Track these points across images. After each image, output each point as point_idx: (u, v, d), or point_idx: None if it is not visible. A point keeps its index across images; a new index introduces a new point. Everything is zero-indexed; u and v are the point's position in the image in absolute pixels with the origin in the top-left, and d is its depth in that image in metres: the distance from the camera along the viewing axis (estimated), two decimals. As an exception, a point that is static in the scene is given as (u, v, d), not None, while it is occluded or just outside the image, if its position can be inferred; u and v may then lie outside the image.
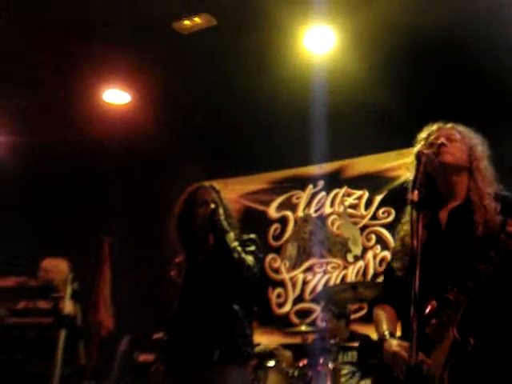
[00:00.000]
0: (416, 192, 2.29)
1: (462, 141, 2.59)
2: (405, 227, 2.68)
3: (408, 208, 2.68)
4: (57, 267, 5.12)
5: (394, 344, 2.43)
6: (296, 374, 4.81)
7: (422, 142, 2.65)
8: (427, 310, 2.39)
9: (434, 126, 2.70)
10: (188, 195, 3.58)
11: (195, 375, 3.18)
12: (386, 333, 2.52)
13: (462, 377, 2.30)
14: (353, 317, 5.87)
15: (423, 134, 2.69)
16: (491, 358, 2.32)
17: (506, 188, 2.61)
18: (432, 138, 2.60)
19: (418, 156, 2.46)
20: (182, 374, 3.25)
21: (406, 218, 2.67)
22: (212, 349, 3.16)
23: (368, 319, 6.01)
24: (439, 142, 2.55)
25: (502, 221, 2.40)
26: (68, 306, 4.60)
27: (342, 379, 4.86)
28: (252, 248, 3.38)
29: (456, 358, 2.30)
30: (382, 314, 2.65)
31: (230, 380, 3.14)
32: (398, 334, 2.59)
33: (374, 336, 5.23)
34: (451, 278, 2.41)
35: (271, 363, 4.88)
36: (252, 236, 3.50)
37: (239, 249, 3.28)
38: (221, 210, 3.38)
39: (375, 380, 2.79)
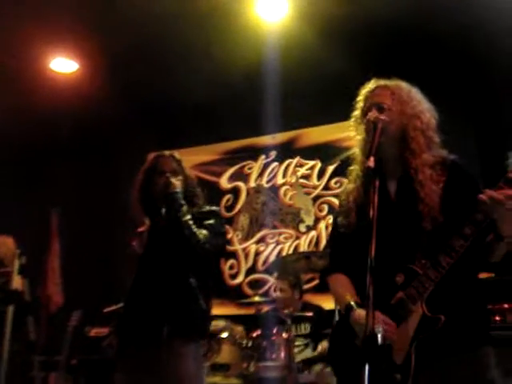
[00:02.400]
0: (372, 158, 2.27)
1: (394, 109, 2.53)
2: (349, 186, 2.67)
3: (353, 171, 2.66)
4: (4, 244, 5.02)
5: (363, 314, 2.40)
6: (250, 344, 4.81)
7: (361, 104, 2.63)
8: (396, 280, 2.37)
9: (371, 85, 2.66)
10: (148, 164, 3.52)
11: (147, 350, 3.12)
12: (352, 302, 2.48)
13: (429, 352, 2.30)
14: (305, 287, 5.88)
15: (362, 95, 2.67)
16: (459, 335, 2.32)
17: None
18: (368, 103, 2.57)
19: (375, 122, 2.43)
20: (134, 348, 3.19)
21: (352, 179, 2.66)
22: (163, 324, 3.10)
23: (320, 289, 6.05)
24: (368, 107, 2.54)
25: (442, 188, 2.40)
26: (16, 281, 4.51)
27: (295, 350, 4.88)
28: (211, 221, 3.31)
29: (425, 333, 2.30)
30: (340, 284, 2.63)
31: (182, 356, 3.09)
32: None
33: (327, 306, 5.30)
34: (406, 251, 2.40)
35: (224, 334, 4.86)
36: (214, 208, 3.46)
37: (190, 223, 3.20)
38: (176, 182, 3.31)
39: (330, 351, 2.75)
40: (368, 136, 2.47)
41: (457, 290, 2.35)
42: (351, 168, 2.71)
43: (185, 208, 3.25)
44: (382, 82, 2.64)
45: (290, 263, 5.07)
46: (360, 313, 2.39)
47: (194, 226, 3.20)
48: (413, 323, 2.32)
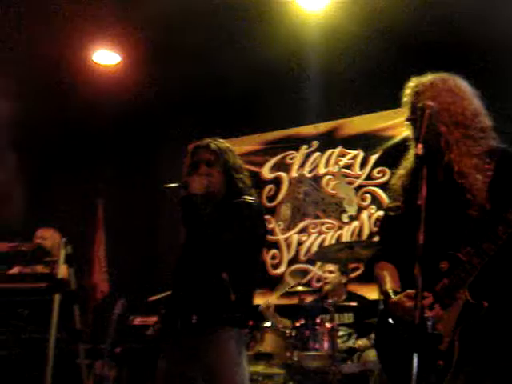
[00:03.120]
0: (420, 145, 2.25)
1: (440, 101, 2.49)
2: (400, 171, 2.65)
3: (407, 157, 2.65)
4: (51, 237, 5.11)
5: (404, 299, 2.39)
6: (293, 333, 4.80)
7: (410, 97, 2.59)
8: (441, 267, 2.36)
9: (425, 79, 2.62)
10: (187, 156, 3.47)
11: (184, 339, 3.15)
12: (390, 291, 2.49)
13: (473, 339, 2.28)
14: (352, 276, 5.87)
15: (411, 88, 2.62)
16: (504, 322, 2.30)
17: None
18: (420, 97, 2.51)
19: (422, 108, 2.40)
20: (173, 337, 3.22)
21: (404, 164, 2.65)
22: (192, 314, 3.11)
23: (364, 279, 6.01)
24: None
25: (491, 177, 2.36)
26: (62, 271, 4.58)
27: (339, 340, 4.87)
28: (237, 217, 3.19)
29: (468, 320, 2.28)
30: (384, 273, 2.62)
31: (217, 345, 3.08)
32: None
33: (372, 296, 5.27)
34: (451, 238, 2.38)
35: (268, 324, 4.87)
36: (248, 200, 3.28)
37: (208, 225, 3.12)
38: (196, 182, 3.16)
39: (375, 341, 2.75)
40: (417, 123, 2.44)
41: (500, 276, 2.33)
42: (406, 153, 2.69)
43: (201, 209, 3.14)
44: (424, 79, 2.60)
45: (333, 253, 5.04)
46: (395, 301, 2.40)
47: (208, 228, 3.12)
48: (456, 310, 2.32)
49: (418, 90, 2.57)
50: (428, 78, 2.61)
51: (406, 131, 2.65)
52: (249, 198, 3.28)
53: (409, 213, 2.42)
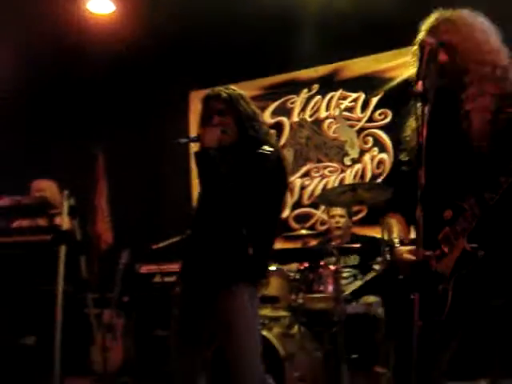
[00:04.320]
0: (420, 83, 2.21)
1: (461, 45, 2.42)
2: (413, 123, 2.59)
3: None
4: (49, 188, 5.10)
5: (403, 250, 2.41)
6: (297, 276, 4.85)
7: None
8: (445, 216, 2.35)
9: (434, 17, 2.55)
10: (200, 109, 3.40)
11: (201, 292, 3.18)
12: (396, 240, 2.50)
13: (466, 288, 2.29)
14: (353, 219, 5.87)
15: (425, 27, 2.55)
16: (498, 272, 2.30)
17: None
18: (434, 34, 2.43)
19: (421, 45, 2.35)
20: (191, 289, 3.24)
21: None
22: (210, 268, 3.13)
23: (368, 221, 6.02)
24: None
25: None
26: (66, 222, 4.59)
27: (343, 281, 4.91)
28: (258, 166, 3.13)
29: (462, 269, 2.29)
30: (392, 222, 2.62)
31: (232, 296, 3.09)
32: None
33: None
34: (459, 186, 2.36)
35: (273, 268, 4.91)
36: (262, 151, 3.16)
37: (222, 178, 3.07)
38: (209, 134, 3.13)
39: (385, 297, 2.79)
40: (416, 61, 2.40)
41: (498, 226, 2.32)
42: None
43: (216, 163, 3.09)
44: (447, 15, 2.50)
45: (336, 196, 5.04)
46: (400, 249, 2.41)
47: (225, 183, 3.06)
48: (453, 257, 2.32)
49: (434, 25, 2.49)
50: (456, 13, 2.51)
51: (407, 72, 2.60)
52: (266, 149, 3.17)
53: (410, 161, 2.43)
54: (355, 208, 5.79)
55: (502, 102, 2.36)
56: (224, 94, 3.22)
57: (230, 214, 3.11)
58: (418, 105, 2.23)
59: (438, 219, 2.34)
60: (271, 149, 3.17)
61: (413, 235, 2.54)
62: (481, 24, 2.47)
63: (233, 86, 3.31)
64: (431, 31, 2.47)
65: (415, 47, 2.54)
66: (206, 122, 3.21)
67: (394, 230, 2.57)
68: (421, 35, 2.53)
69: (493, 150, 2.31)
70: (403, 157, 2.62)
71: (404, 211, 2.62)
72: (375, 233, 5.24)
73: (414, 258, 2.17)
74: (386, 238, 2.62)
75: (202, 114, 3.29)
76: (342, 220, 5.48)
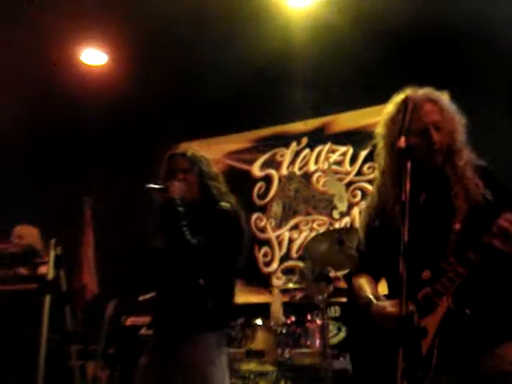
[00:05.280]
0: (403, 138, 2.24)
1: (446, 126, 2.50)
2: (381, 178, 2.64)
3: (381, 163, 2.63)
4: (30, 234, 5.08)
5: (386, 305, 2.40)
6: (284, 331, 4.81)
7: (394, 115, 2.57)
8: (423, 276, 2.36)
9: (415, 97, 2.58)
10: (164, 165, 3.56)
11: (165, 341, 3.33)
12: (371, 297, 2.50)
13: (453, 346, 2.28)
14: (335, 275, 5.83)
15: (397, 102, 2.60)
16: (485, 331, 2.30)
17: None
18: (416, 118, 2.46)
19: (405, 102, 2.40)
20: (158, 341, 3.42)
21: (381, 172, 2.63)
22: (173, 319, 3.30)
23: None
24: (424, 126, 2.48)
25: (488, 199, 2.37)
26: (51, 272, 4.57)
27: (329, 335, 4.87)
28: (213, 224, 3.34)
29: (449, 327, 2.28)
30: (362, 282, 2.63)
31: (196, 346, 3.22)
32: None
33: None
34: (434, 248, 2.39)
35: (258, 321, 4.87)
36: (223, 207, 3.40)
37: (184, 229, 3.25)
38: (174, 187, 3.34)
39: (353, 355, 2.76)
40: (397, 120, 2.45)
41: (483, 285, 2.33)
42: (376, 167, 2.70)
43: (180, 214, 3.28)
44: (428, 95, 2.56)
45: (321, 246, 5.02)
46: (382, 304, 2.40)
47: (186, 233, 3.23)
48: (438, 316, 2.32)
49: (431, 106, 2.54)
50: (434, 94, 2.58)
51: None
52: (224, 205, 3.40)
53: (389, 220, 2.45)
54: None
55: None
56: (189, 154, 3.49)
57: (187, 266, 3.29)
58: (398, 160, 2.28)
59: (415, 279, 2.32)
60: (228, 205, 3.39)
61: (382, 292, 2.56)
62: (452, 106, 2.58)
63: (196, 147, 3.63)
64: (419, 112, 2.50)
65: (389, 107, 2.59)
66: (170, 178, 3.43)
67: (366, 289, 2.57)
68: (391, 108, 2.58)
69: (467, 226, 2.36)
70: (369, 215, 2.66)
71: (371, 271, 2.65)
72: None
73: (397, 311, 2.16)
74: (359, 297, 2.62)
75: (166, 170, 3.50)
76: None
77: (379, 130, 2.64)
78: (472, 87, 5.70)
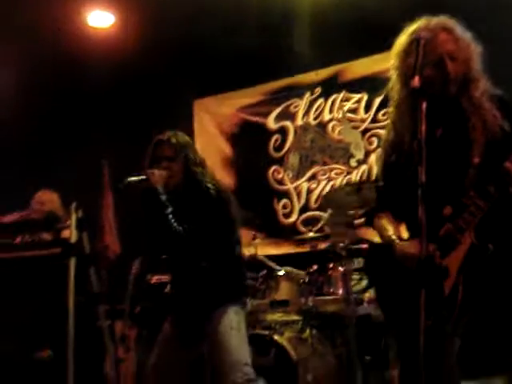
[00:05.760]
0: (417, 78, 2.22)
1: (461, 55, 2.45)
2: (396, 112, 2.60)
3: (396, 97, 2.60)
4: (50, 199, 5.11)
5: (407, 245, 2.39)
6: (306, 280, 4.85)
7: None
8: (444, 213, 2.34)
9: (425, 22, 2.54)
10: (149, 151, 3.60)
11: (185, 316, 3.55)
12: (394, 237, 2.49)
13: (477, 281, 2.28)
14: (358, 222, 5.85)
15: (410, 34, 2.55)
16: (508, 265, 2.29)
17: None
18: (430, 49, 2.42)
19: (416, 39, 2.36)
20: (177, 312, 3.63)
21: (396, 105, 2.60)
22: (187, 299, 3.49)
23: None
24: (439, 56, 2.43)
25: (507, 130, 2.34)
26: (74, 235, 4.61)
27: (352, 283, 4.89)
28: (198, 210, 3.40)
29: (473, 263, 2.27)
30: (384, 221, 2.61)
31: (215, 319, 3.38)
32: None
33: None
34: (454, 183, 2.36)
35: (281, 272, 4.91)
36: (209, 193, 3.44)
37: (169, 217, 3.34)
38: (155, 175, 3.41)
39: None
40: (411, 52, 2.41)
41: (506, 218, 2.31)
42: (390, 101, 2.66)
43: (163, 203, 3.36)
44: (443, 24, 2.51)
45: (342, 197, 5.02)
46: (404, 244, 2.39)
47: (171, 222, 3.32)
48: (460, 253, 2.30)
49: (446, 35, 2.50)
50: (449, 22, 2.54)
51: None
52: (208, 187, 3.44)
53: (406, 156, 2.42)
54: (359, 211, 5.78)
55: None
56: (173, 140, 3.51)
57: (183, 252, 3.42)
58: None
59: (436, 216, 2.32)
60: (213, 189, 3.44)
61: (405, 232, 2.55)
62: (467, 34, 2.53)
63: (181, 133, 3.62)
64: (433, 41, 2.46)
65: (403, 38, 2.55)
66: (154, 165, 3.49)
67: (389, 229, 2.56)
68: (404, 38, 2.53)
69: (486, 159, 2.34)
70: (387, 154, 2.63)
71: (392, 210, 2.62)
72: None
73: (418, 252, 2.15)
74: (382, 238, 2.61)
75: (151, 157, 3.55)
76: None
77: (392, 62, 2.59)
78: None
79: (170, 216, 3.32)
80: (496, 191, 2.23)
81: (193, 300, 3.45)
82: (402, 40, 2.56)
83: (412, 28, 2.53)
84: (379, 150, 2.76)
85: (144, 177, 3.42)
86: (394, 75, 2.59)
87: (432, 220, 2.16)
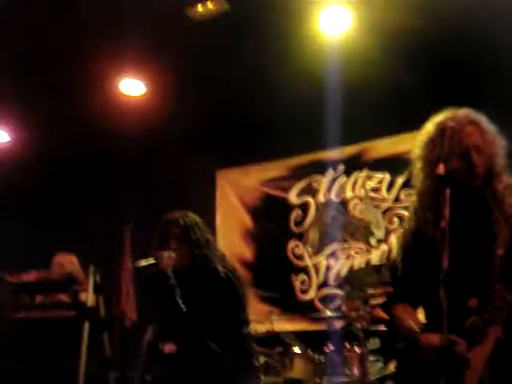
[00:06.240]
0: (442, 165, 2.23)
1: (487, 149, 2.46)
2: (419, 201, 2.59)
3: (419, 186, 2.59)
4: (70, 261, 5.15)
5: (430, 336, 2.34)
6: (322, 359, 4.77)
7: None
8: (469, 304, 2.31)
9: (456, 119, 2.56)
10: (158, 233, 3.61)
11: None
12: (416, 328, 2.44)
13: (505, 378, 2.23)
14: (376, 302, 5.79)
15: (436, 124, 2.57)
16: None
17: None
18: (457, 141, 2.43)
19: (442, 128, 2.39)
20: None
21: (419, 194, 2.60)
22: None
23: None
24: (465, 148, 2.44)
25: None
26: (91, 299, 4.61)
27: (368, 364, 4.81)
28: (206, 294, 3.38)
29: (500, 358, 2.22)
30: (402, 311, 2.57)
31: None
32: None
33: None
34: (478, 275, 2.34)
35: (297, 349, 4.84)
36: (216, 269, 3.45)
37: (177, 300, 3.33)
38: (165, 258, 3.39)
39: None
40: (437, 142, 2.43)
41: None
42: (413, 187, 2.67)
43: (172, 285, 3.35)
44: (469, 116, 2.52)
45: (362, 277, 5.01)
46: (428, 336, 2.35)
47: (179, 304, 3.30)
48: (487, 347, 2.25)
49: (473, 128, 2.50)
50: (474, 115, 2.54)
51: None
52: (217, 269, 3.42)
53: (428, 245, 2.41)
54: (379, 291, 5.73)
55: None
56: (181, 221, 3.54)
57: (192, 334, 3.36)
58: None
59: (460, 307, 2.28)
60: (221, 269, 3.42)
61: (423, 320, 2.51)
62: (492, 128, 2.53)
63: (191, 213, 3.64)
64: (459, 134, 2.46)
65: (429, 126, 2.57)
66: (163, 246, 3.48)
67: (409, 319, 2.51)
68: (430, 128, 2.55)
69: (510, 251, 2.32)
70: (407, 242, 2.61)
71: (408, 299, 2.59)
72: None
73: (438, 342, 2.11)
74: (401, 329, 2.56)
75: (160, 237, 3.55)
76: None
77: (417, 151, 2.60)
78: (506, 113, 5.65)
79: (178, 298, 3.32)
80: None
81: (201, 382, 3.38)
82: (427, 129, 2.57)
83: (438, 118, 2.55)
84: (399, 234, 2.74)
85: (153, 261, 3.40)
86: (418, 164, 2.59)
87: (456, 311, 2.13)
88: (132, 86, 6.47)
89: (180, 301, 3.31)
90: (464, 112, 2.52)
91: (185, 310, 3.29)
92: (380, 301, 6.05)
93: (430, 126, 2.56)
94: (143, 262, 3.44)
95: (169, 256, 3.40)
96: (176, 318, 3.35)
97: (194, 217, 3.64)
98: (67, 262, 5.17)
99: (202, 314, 3.30)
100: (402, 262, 2.63)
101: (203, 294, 3.36)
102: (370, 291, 5.35)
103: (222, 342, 3.32)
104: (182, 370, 3.49)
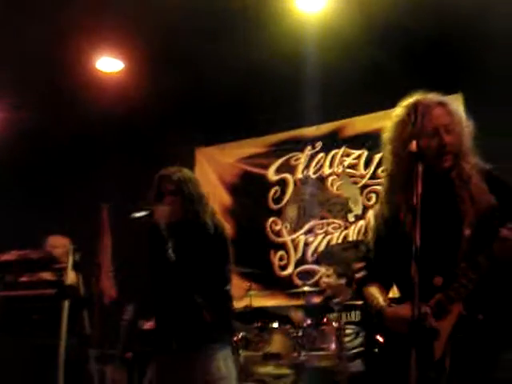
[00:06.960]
0: (414, 142, 2.27)
1: (455, 129, 2.50)
2: (389, 183, 2.63)
3: (389, 167, 2.63)
4: (63, 245, 5.17)
5: (398, 308, 2.42)
6: (300, 334, 4.84)
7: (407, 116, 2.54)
8: (435, 282, 2.37)
9: (420, 97, 2.60)
10: (153, 188, 3.65)
11: (170, 357, 3.44)
12: (383, 304, 2.51)
13: (466, 351, 2.29)
14: (356, 276, 5.86)
15: (406, 106, 2.59)
16: (496, 336, 2.31)
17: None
18: (427, 120, 2.48)
19: (415, 105, 2.44)
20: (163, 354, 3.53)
21: (389, 176, 2.63)
22: (171, 338, 3.41)
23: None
24: (435, 128, 2.48)
25: (493, 204, 2.39)
26: (70, 277, 4.63)
27: (346, 339, 4.89)
28: (196, 247, 3.44)
29: (462, 333, 2.29)
30: (373, 291, 2.63)
31: (190, 367, 3.33)
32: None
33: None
34: (445, 254, 2.40)
35: (275, 325, 4.91)
36: (205, 224, 3.51)
37: (171, 255, 3.39)
38: (159, 212, 3.46)
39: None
40: (408, 122, 2.47)
41: (495, 289, 2.34)
42: (383, 168, 2.71)
43: (163, 237, 3.41)
44: (438, 99, 2.57)
45: (339, 253, 5.06)
46: (396, 308, 2.42)
47: (171, 256, 3.37)
48: (450, 322, 2.32)
49: (440, 110, 2.54)
50: (442, 98, 2.59)
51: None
52: (206, 224, 3.49)
53: (399, 223, 2.46)
54: (358, 265, 5.80)
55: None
56: (175, 176, 3.58)
57: (180, 285, 3.40)
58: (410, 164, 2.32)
59: (427, 285, 2.32)
60: (210, 223, 3.50)
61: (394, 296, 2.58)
62: (460, 110, 2.61)
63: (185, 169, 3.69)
64: (427, 115, 2.51)
65: (399, 110, 2.60)
66: (158, 200, 3.54)
67: (378, 297, 2.58)
68: (400, 111, 2.59)
69: (477, 231, 2.38)
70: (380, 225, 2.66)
71: (381, 279, 2.66)
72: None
73: (409, 314, 2.17)
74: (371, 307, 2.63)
75: (155, 192, 3.60)
76: (329, 280, 5.50)
77: (387, 134, 2.64)
78: (481, 91, 5.69)
79: (169, 250, 3.38)
80: (486, 263, 2.27)
81: (180, 336, 3.41)
82: (397, 112, 2.61)
83: (408, 101, 2.59)
84: (373, 221, 2.78)
85: (148, 212, 3.46)
86: (388, 147, 2.62)
87: (423, 289, 2.18)
88: (109, 64, 6.44)
89: (171, 252, 3.37)
90: (433, 95, 2.58)
91: (173, 258, 3.35)
92: (360, 275, 6.14)
93: (399, 109, 2.60)
94: (137, 214, 3.49)
95: (163, 209, 3.48)
96: (165, 268, 3.39)
97: (187, 172, 3.70)
98: (60, 244, 5.20)
99: (190, 266, 3.36)
100: (374, 245, 2.71)
101: (192, 247, 3.42)
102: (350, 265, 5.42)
103: (205, 294, 3.37)
104: (163, 322, 3.52)
